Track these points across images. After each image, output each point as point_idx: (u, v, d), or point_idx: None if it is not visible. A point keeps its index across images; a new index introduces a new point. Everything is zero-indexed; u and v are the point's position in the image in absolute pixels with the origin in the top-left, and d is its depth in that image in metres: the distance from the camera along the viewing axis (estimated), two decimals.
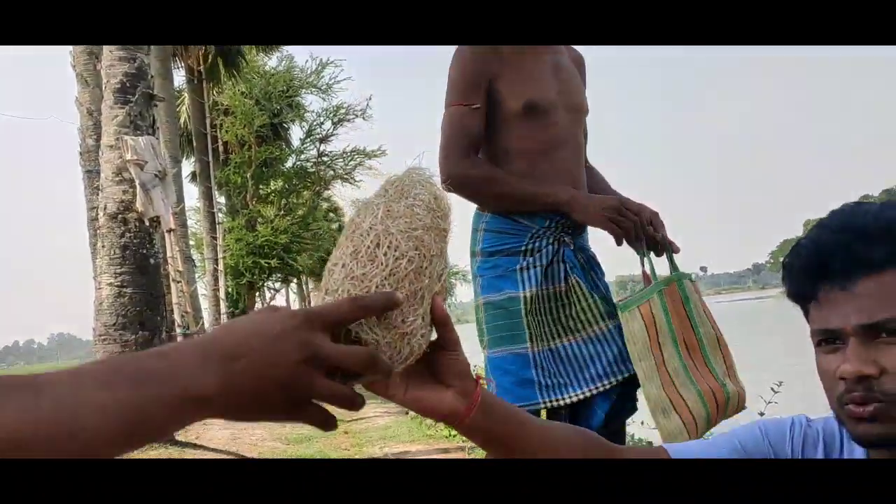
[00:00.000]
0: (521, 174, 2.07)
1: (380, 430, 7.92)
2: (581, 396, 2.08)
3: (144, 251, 5.91)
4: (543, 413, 2.14)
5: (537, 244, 2.10)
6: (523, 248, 2.10)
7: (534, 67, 2.09)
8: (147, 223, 5.78)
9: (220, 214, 18.26)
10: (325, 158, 21.88)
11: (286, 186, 21.75)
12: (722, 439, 1.10)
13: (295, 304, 49.81)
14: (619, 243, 2.05)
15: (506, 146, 2.09)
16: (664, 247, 2.08)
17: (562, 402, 2.11)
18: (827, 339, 0.93)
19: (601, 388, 2.05)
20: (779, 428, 1.08)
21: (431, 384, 0.90)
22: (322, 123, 21.35)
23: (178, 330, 10.27)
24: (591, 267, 2.16)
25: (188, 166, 21.09)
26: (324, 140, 21.58)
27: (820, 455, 1.04)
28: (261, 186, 21.22)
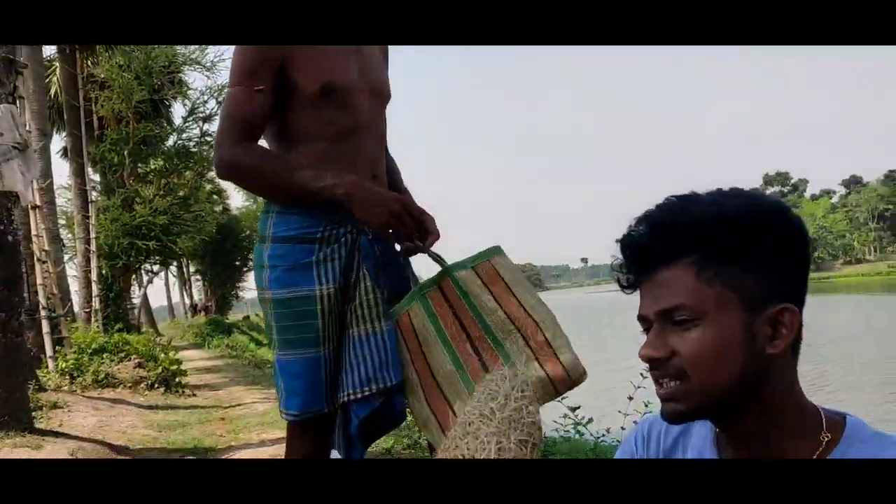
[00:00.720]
0: (317, 161, 1.93)
1: (258, 417, 7.75)
2: (344, 399, 1.97)
3: (2, 227, 5.53)
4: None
5: (335, 232, 1.96)
6: (319, 236, 1.96)
7: (332, 47, 1.94)
8: None
9: (94, 193, 17.36)
10: (208, 138, 21.19)
11: (167, 166, 20.93)
12: None
13: (174, 288, 48.24)
14: (395, 243, 1.98)
15: (302, 130, 1.96)
16: (423, 248, 1.98)
17: (334, 406, 2.02)
18: (643, 325, 1.02)
19: (357, 396, 1.94)
20: (628, 445, 1.18)
21: None
22: (206, 102, 20.64)
23: (43, 312, 9.72)
24: (387, 260, 2.03)
25: (59, 141, 19.97)
26: (207, 119, 20.84)
27: (662, 445, 1.12)
28: (139, 165, 20.34)
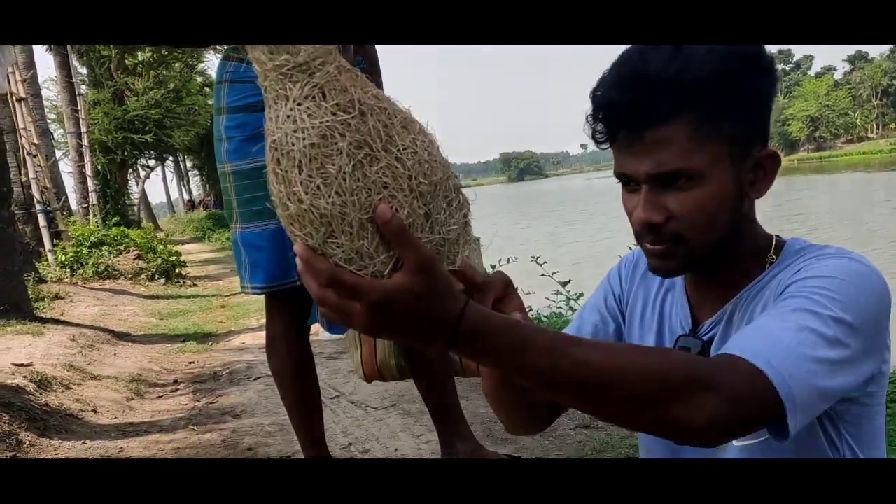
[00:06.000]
0: None
1: (258, 303, 7.81)
2: None
3: None
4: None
5: None
6: None
7: None
8: None
9: (83, 87, 17.03)
10: None
11: (154, 57, 20.48)
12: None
13: (172, 184, 47.81)
14: None
15: None
16: None
17: None
18: (625, 181, 0.97)
19: None
20: (613, 271, 1.19)
21: None
22: None
23: (38, 206, 9.69)
24: None
25: None
26: None
27: (644, 274, 1.14)
28: (126, 57, 19.89)
